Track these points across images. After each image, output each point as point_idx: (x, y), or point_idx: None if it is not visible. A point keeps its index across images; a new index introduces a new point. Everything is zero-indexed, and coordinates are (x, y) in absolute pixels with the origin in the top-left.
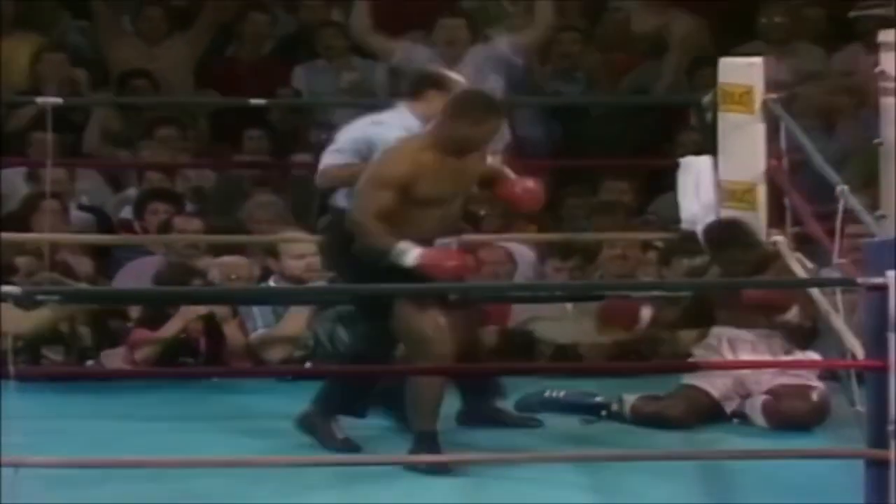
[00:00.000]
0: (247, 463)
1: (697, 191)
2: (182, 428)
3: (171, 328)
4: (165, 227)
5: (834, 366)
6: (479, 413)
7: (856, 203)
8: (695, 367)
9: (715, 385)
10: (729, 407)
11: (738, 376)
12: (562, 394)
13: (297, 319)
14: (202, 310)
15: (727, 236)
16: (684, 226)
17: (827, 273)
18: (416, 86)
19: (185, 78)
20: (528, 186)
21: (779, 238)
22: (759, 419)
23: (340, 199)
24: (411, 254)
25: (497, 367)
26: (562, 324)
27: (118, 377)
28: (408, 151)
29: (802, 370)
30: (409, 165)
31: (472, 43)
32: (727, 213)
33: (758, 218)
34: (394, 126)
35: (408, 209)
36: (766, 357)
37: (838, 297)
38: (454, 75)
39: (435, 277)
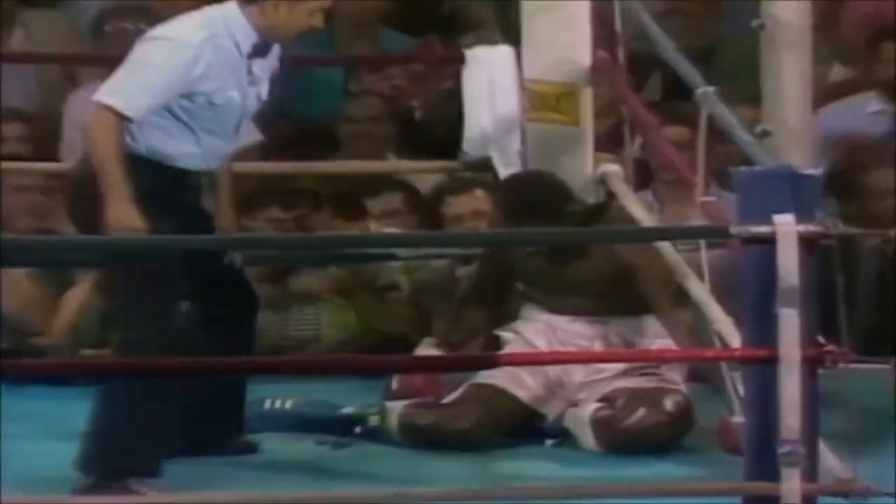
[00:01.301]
0: None
1: (491, 97)
2: None
3: None
4: None
5: (691, 358)
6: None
7: (725, 112)
8: (493, 363)
9: (523, 386)
10: (543, 420)
11: (555, 376)
12: (288, 404)
13: None
14: None
15: (534, 201)
16: (468, 149)
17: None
18: None
19: None
20: None
21: (612, 168)
22: (588, 438)
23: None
24: None
25: (189, 362)
26: None
27: None
28: None
29: (659, 369)
30: None
31: None
32: (535, 130)
33: (581, 135)
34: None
35: None
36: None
37: (702, 254)
38: None
39: None
